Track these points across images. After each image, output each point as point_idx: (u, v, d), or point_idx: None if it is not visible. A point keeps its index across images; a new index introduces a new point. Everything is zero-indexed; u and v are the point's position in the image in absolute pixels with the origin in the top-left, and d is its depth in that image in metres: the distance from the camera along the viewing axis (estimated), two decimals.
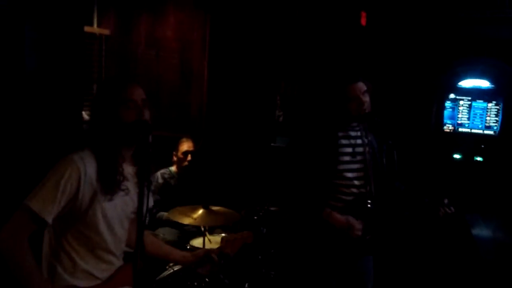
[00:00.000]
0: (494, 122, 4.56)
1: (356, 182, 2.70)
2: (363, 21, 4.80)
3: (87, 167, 1.72)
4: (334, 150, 2.68)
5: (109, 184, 1.75)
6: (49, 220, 1.67)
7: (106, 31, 5.01)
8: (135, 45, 5.04)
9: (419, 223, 3.76)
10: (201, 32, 4.91)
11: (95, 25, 4.97)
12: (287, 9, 4.88)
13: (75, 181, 1.69)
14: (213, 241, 3.43)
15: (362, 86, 2.66)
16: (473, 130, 4.59)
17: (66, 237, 1.76)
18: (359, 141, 2.73)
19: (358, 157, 2.71)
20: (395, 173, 2.69)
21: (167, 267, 3.21)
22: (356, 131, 2.74)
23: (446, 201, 2.63)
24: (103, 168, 1.75)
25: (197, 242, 3.41)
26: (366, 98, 2.65)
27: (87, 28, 4.67)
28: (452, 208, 2.63)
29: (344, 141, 2.71)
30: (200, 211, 3.21)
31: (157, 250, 2.13)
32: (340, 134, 2.72)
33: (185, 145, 3.97)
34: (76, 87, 3.40)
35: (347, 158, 2.70)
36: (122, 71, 5.05)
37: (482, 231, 3.60)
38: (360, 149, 2.72)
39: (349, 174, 2.70)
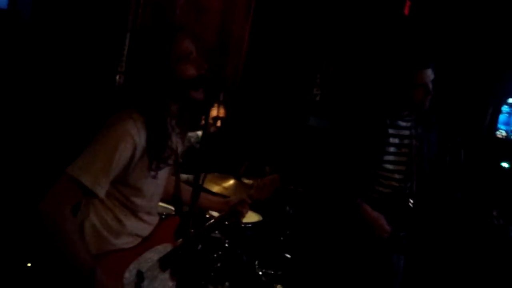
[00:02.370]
0: None
1: (396, 176, 2.53)
2: (407, 11, 4.59)
3: (140, 137, 1.55)
4: (381, 138, 2.48)
5: (158, 159, 1.62)
6: (102, 194, 1.53)
7: None
8: (174, 1, 4.80)
9: (461, 229, 3.57)
10: None
11: None
12: None
13: (130, 153, 1.55)
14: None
15: (431, 73, 2.44)
16: None
17: (112, 202, 1.64)
18: (407, 133, 2.53)
19: (404, 150, 2.52)
20: (460, 174, 2.51)
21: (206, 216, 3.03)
22: (407, 121, 2.54)
23: (495, 213, 2.48)
24: (154, 143, 1.59)
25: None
26: (431, 88, 2.44)
27: None
28: (501, 221, 2.48)
29: (392, 131, 2.51)
30: (231, 182, 3.10)
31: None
32: (389, 122, 2.51)
33: (216, 110, 3.77)
34: (116, 34, 3.21)
35: (392, 149, 2.52)
36: (158, 23, 4.81)
37: None
38: (407, 141, 2.53)
39: (391, 166, 2.52)
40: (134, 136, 1.54)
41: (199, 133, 3.80)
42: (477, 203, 2.55)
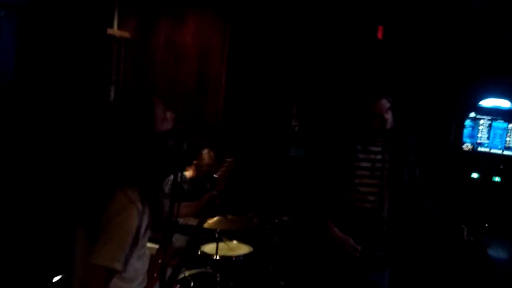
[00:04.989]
0: None
1: (370, 198, 2.68)
2: (380, 35, 4.82)
3: (142, 210, 1.69)
4: (351, 163, 2.66)
5: (154, 223, 1.77)
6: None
7: (126, 34, 5.01)
8: (154, 49, 5.04)
9: (437, 245, 3.72)
10: (220, 39, 4.91)
11: (116, 27, 4.98)
12: (306, 21, 4.90)
13: (137, 222, 1.67)
14: (230, 246, 3.43)
15: (385, 103, 2.64)
16: (492, 150, 4.55)
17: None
18: (379, 157, 2.71)
19: (377, 173, 2.69)
20: (416, 191, 2.67)
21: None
22: (378, 146, 2.72)
23: (465, 230, 2.60)
24: (154, 217, 1.75)
25: (209, 248, 3.39)
26: (389, 116, 2.64)
27: (107, 30, 4.68)
28: (471, 238, 2.59)
29: (362, 156, 2.69)
30: (216, 217, 3.21)
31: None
32: (359, 148, 2.70)
33: (206, 157, 3.96)
34: (97, 88, 3.42)
35: (364, 172, 2.68)
36: (140, 74, 5.05)
37: (498, 253, 3.54)
38: (379, 165, 2.70)
39: (365, 189, 2.68)
40: (136, 204, 1.66)
41: (186, 173, 3.99)
42: (449, 221, 2.66)
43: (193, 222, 3.13)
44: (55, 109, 3.14)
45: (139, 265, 1.81)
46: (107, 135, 1.71)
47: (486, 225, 3.84)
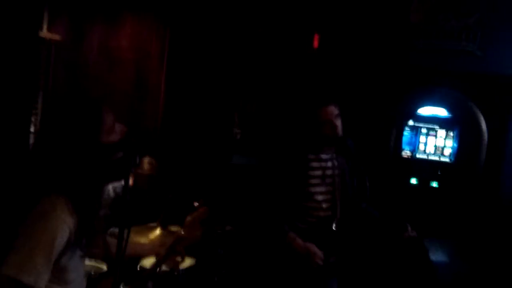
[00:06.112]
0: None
1: (324, 205, 2.68)
2: (316, 44, 4.88)
3: (73, 222, 1.55)
4: (304, 172, 2.64)
5: (88, 238, 1.63)
6: (43, 287, 1.50)
7: (56, 37, 4.73)
8: (87, 53, 4.79)
9: (381, 246, 3.78)
10: (160, 45, 4.76)
11: (45, 30, 4.69)
12: (246, 28, 4.88)
13: (65, 240, 1.53)
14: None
15: (334, 109, 2.65)
16: (430, 157, 4.70)
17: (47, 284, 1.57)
18: (329, 164, 2.71)
19: (327, 180, 2.70)
20: (367, 198, 2.70)
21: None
22: (327, 154, 2.72)
23: (409, 226, 2.66)
24: (84, 225, 1.59)
25: (149, 262, 3.22)
26: (338, 122, 2.64)
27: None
28: (415, 233, 2.66)
29: (314, 164, 2.69)
30: (157, 231, 3.04)
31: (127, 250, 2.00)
32: (311, 156, 2.68)
33: (147, 165, 3.80)
34: (27, 95, 3.18)
35: (316, 181, 2.68)
36: (71, 79, 4.77)
37: (439, 256, 3.65)
38: (329, 172, 2.70)
39: (318, 197, 2.67)
40: (69, 224, 1.54)
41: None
42: (392, 219, 2.73)
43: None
44: None
45: (71, 277, 1.64)
46: (46, 137, 1.60)
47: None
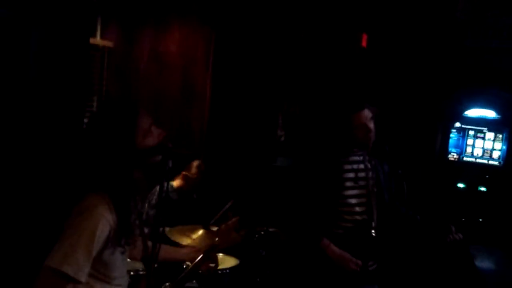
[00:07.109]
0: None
1: (357, 209, 2.66)
2: (364, 43, 4.85)
3: (113, 219, 1.65)
4: (338, 176, 2.64)
5: (126, 237, 1.71)
6: (84, 279, 1.59)
7: (109, 43, 4.95)
8: (138, 59, 4.98)
9: (423, 250, 3.72)
10: (205, 49, 4.88)
11: (98, 37, 4.92)
12: (291, 30, 4.90)
13: (106, 235, 1.63)
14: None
15: (367, 113, 2.65)
16: (478, 160, 4.57)
17: (89, 279, 1.67)
18: (361, 166, 2.69)
19: (361, 183, 2.67)
20: (405, 203, 2.66)
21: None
22: (359, 155, 2.71)
23: (453, 228, 2.61)
24: (123, 223, 1.68)
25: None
26: (372, 125, 2.64)
27: (90, 40, 4.62)
28: (460, 235, 2.61)
29: (347, 167, 2.68)
30: (200, 232, 3.12)
31: (164, 254, 2.07)
32: (343, 159, 2.69)
33: (196, 168, 3.92)
34: (79, 98, 3.36)
35: (349, 183, 2.67)
36: (123, 84, 4.98)
37: (485, 263, 3.54)
38: (362, 174, 2.68)
39: (352, 200, 2.66)
40: (109, 221, 1.62)
41: (173, 183, 3.92)
42: (436, 222, 2.68)
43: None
44: (36, 118, 3.07)
45: (114, 274, 1.74)
46: (87, 140, 1.71)
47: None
